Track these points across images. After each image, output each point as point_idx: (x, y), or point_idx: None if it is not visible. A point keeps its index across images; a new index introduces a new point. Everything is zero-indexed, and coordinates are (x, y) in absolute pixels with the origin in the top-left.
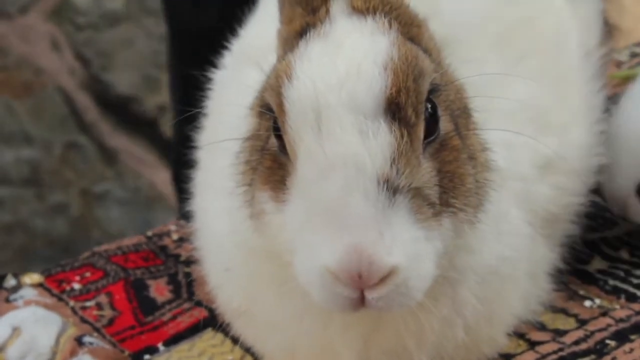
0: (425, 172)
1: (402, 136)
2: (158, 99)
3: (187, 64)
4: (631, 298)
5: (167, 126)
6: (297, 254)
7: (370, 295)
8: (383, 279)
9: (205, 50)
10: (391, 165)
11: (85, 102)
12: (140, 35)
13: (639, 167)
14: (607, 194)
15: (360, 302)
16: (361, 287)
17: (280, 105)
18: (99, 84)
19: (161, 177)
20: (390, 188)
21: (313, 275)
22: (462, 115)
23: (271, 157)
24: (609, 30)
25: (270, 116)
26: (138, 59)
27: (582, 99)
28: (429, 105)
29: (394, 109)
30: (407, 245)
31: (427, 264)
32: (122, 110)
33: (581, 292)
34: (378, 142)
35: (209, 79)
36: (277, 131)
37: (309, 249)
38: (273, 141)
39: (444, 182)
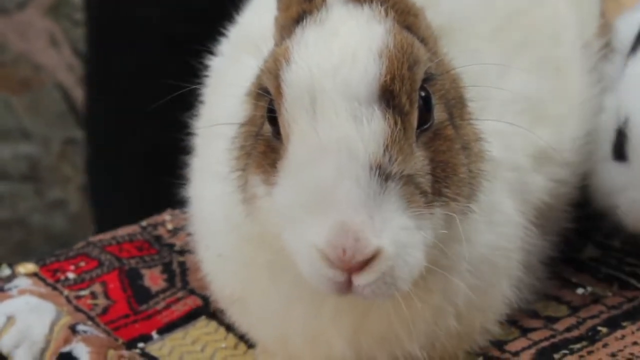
0: (418, 160)
1: (395, 123)
2: None
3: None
4: (623, 285)
5: None
6: (287, 232)
7: (357, 281)
8: (368, 263)
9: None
10: (384, 152)
11: (83, 98)
12: None
13: None
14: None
15: (348, 286)
16: (347, 267)
17: (278, 87)
18: None
19: None
20: (382, 174)
21: (302, 254)
22: (457, 104)
23: (265, 142)
24: (606, 22)
25: (267, 99)
26: None
27: (579, 90)
28: (423, 94)
29: (388, 96)
30: (396, 232)
31: (415, 253)
32: None
33: (574, 280)
34: (371, 128)
35: (206, 66)
36: (272, 113)
37: (298, 228)
38: (267, 127)
39: (437, 172)
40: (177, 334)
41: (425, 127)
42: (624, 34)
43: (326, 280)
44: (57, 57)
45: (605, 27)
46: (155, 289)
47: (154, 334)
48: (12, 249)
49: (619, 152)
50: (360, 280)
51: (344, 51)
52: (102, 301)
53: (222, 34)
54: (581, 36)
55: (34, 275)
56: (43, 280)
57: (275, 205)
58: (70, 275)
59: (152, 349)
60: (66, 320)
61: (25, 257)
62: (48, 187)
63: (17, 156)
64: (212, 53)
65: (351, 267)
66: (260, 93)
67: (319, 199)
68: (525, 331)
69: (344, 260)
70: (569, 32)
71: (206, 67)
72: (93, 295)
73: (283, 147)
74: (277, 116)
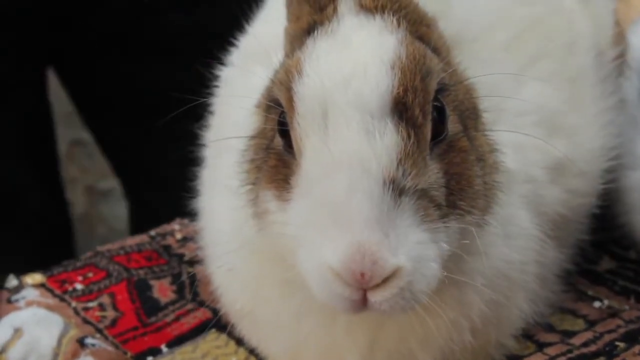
0: (432, 173)
1: (408, 136)
2: None
3: None
4: None
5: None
6: (300, 251)
7: (373, 297)
8: (386, 280)
9: None
10: (397, 166)
11: None
12: None
13: None
14: None
15: (363, 303)
16: (363, 287)
17: (290, 100)
18: None
19: None
20: (396, 189)
21: (315, 274)
22: (471, 115)
23: (276, 155)
24: (621, 30)
25: (278, 111)
26: None
27: (593, 100)
28: (437, 105)
29: (401, 109)
30: (411, 247)
31: (432, 266)
32: None
33: (590, 293)
34: (384, 142)
35: (216, 77)
36: (283, 126)
37: (312, 247)
38: (278, 140)
39: (451, 184)
40: (187, 348)
41: (439, 139)
42: (638, 52)
43: (341, 299)
44: None
45: (620, 36)
46: (164, 300)
47: (164, 348)
48: None
49: None
50: (377, 296)
51: (356, 63)
52: (110, 313)
53: (232, 44)
54: (596, 45)
55: (42, 286)
56: (51, 291)
57: (289, 222)
58: (78, 286)
59: None
60: (74, 333)
61: None
62: None
63: None
64: (222, 63)
65: (368, 287)
66: (271, 105)
67: (332, 216)
68: (541, 346)
69: (361, 283)
70: (583, 42)
71: (216, 77)
72: (101, 307)
73: (295, 162)
74: (288, 129)
